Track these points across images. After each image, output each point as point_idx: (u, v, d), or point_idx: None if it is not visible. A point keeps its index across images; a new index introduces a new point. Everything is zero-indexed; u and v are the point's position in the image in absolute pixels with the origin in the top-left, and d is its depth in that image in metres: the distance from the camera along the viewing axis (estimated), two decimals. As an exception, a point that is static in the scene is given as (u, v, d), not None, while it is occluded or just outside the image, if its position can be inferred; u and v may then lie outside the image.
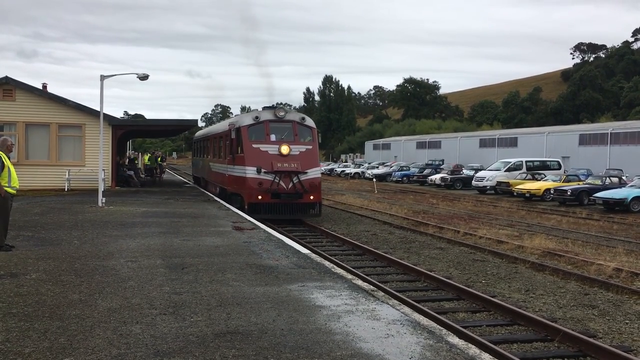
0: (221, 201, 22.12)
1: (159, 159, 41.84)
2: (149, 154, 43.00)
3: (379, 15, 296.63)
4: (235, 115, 24.50)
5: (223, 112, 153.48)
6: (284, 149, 18.91)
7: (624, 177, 32.82)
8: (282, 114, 20.00)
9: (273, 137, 19.54)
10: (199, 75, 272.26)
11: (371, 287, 8.14)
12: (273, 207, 18.73)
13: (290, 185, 18.73)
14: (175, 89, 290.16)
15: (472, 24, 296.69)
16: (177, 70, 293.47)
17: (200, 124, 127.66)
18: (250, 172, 18.76)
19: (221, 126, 26.04)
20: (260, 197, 18.51)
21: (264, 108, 20.83)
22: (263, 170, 18.60)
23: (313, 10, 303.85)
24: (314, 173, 19.32)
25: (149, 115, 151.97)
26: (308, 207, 19.38)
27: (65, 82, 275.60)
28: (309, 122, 20.57)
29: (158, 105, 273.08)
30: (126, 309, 6.67)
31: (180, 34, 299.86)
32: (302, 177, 18.91)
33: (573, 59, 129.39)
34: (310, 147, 19.74)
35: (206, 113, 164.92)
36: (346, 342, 5.66)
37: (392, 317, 6.61)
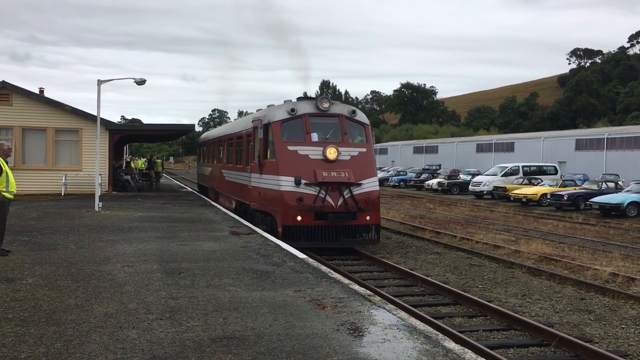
0: (219, 206, 22.06)
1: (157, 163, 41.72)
2: (143, 159, 42.92)
3: (373, 20, 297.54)
4: (258, 110, 19.64)
5: (220, 116, 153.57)
6: (331, 153, 14.25)
7: (620, 182, 32.92)
8: (326, 105, 15.08)
9: (315, 137, 14.85)
10: (195, 79, 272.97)
11: (368, 291, 8.15)
12: (317, 231, 13.95)
13: (340, 202, 13.99)
14: (170, 93, 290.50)
15: (468, 29, 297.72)
16: (172, 74, 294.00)
17: (198, 128, 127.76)
18: (286, 183, 14.01)
19: (240, 124, 20.60)
20: (299, 217, 13.79)
21: (300, 99, 16.14)
22: (303, 181, 13.90)
23: (307, 14, 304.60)
24: (370, 185, 14.47)
25: (145, 119, 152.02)
26: (362, 231, 14.63)
27: (59, 86, 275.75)
28: (361, 116, 15.74)
29: (153, 109, 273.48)
30: (122, 314, 6.66)
31: (175, 38, 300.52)
32: (356, 191, 14.13)
33: (569, 64, 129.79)
34: (364, 149, 15.02)
35: (203, 117, 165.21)
36: (343, 347, 5.66)
37: (389, 322, 6.61)
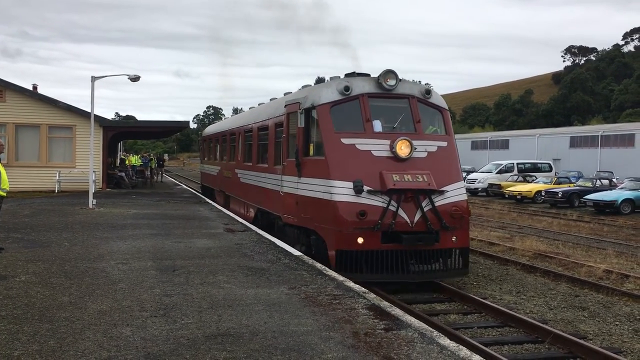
0: (214, 203, 21.99)
1: (152, 160, 41.66)
2: (135, 156, 42.84)
3: (367, 16, 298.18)
4: (286, 94, 15.42)
5: (215, 113, 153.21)
6: (403, 148, 10.46)
7: (614, 180, 33.05)
8: (392, 82, 11.16)
9: (377, 126, 10.99)
10: (188, 76, 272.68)
11: (362, 289, 8.14)
12: (385, 259, 10.05)
13: (417, 217, 10.16)
14: (164, 90, 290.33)
15: (463, 26, 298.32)
16: (165, 70, 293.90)
17: (192, 125, 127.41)
18: (342, 190, 10.21)
19: (265, 111, 15.91)
20: (361, 240, 9.97)
21: (350, 75, 12.02)
22: (366, 187, 10.10)
23: (299, 9, 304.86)
24: (456, 192, 10.66)
25: (138, 116, 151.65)
26: (444, 257, 10.62)
27: (52, 82, 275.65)
28: (437, 98, 11.81)
29: (147, 106, 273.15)
30: (116, 311, 6.63)
31: (168, 34, 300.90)
32: (438, 201, 10.35)
33: (564, 61, 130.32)
34: (444, 143, 11.23)
35: (198, 114, 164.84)
36: (337, 344, 5.65)
37: (384, 319, 6.60)
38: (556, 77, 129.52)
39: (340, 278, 8.78)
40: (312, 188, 11.05)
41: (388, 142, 10.60)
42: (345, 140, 10.67)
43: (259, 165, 15.39)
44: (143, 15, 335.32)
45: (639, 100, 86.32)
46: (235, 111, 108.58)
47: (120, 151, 48.95)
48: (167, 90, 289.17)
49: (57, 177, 24.84)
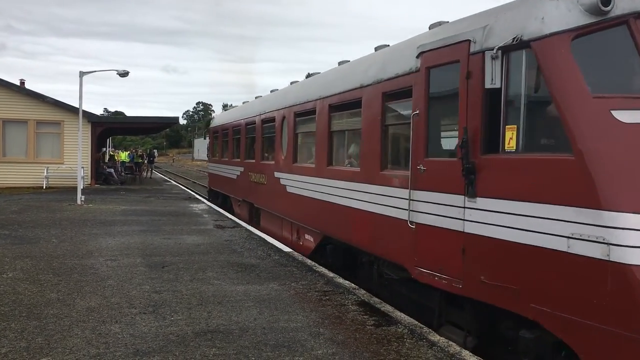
0: (203, 199, 21.89)
1: (135, 156, 41.36)
2: (125, 152, 42.64)
3: (353, 11, 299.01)
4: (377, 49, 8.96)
5: (205, 109, 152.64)
6: None
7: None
8: None
9: None
10: (176, 71, 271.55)
11: (352, 285, 8.15)
12: None
13: None
14: (152, 86, 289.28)
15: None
16: (153, 66, 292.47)
17: (182, 121, 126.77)
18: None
19: (350, 73, 9.43)
20: None
21: None
22: None
23: (286, 5, 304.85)
24: None
25: (126, 112, 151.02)
26: None
27: (38, 77, 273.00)
28: None
29: (135, 102, 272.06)
30: (105, 308, 6.59)
31: (155, 28, 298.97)
32: None
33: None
34: None
35: (187, 110, 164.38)
36: (328, 340, 5.65)
37: (374, 316, 6.61)
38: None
39: (330, 274, 8.77)
40: (525, 224, 5.13)
41: None
42: (621, 116, 4.72)
43: (334, 169, 9.53)
44: (130, 8, 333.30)
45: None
46: (225, 107, 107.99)
47: (108, 147, 48.69)
48: (155, 86, 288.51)
49: (45, 173, 24.67)
